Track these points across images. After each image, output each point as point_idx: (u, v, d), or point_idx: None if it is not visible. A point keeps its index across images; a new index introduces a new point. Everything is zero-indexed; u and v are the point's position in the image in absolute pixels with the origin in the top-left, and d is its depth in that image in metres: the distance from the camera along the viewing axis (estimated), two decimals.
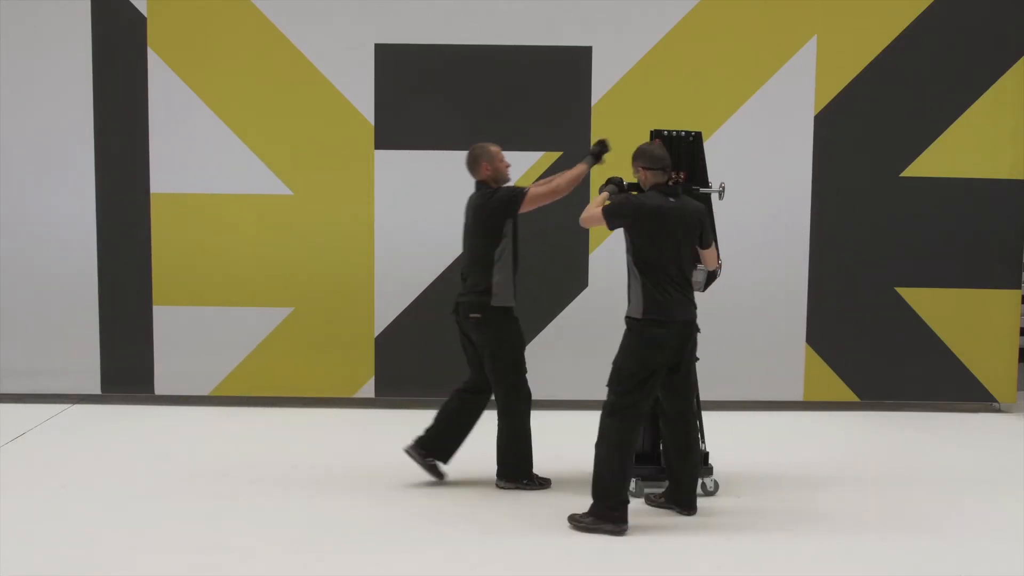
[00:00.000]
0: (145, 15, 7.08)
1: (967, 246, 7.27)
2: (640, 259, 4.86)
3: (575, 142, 7.07)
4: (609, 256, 6.94)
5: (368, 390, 7.32)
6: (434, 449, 5.49)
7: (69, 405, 7.25)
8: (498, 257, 5.31)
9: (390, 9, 7.10)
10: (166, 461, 5.88)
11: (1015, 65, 7.14)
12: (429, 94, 7.16)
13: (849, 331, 7.31)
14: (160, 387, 7.32)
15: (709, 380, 7.04)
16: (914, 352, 7.31)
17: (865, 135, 7.20)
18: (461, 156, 7.12)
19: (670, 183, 4.93)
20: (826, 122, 7.18)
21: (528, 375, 5.46)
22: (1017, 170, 7.23)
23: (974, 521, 4.98)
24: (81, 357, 7.27)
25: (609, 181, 5.26)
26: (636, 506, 5.12)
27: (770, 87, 7.15)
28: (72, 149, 7.17)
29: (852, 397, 7.37)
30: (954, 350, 7.32)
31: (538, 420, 5.59)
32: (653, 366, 4.81)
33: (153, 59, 7.11)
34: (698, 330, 5.00)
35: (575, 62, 7.13)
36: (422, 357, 7.25)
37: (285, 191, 7.20)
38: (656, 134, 5.33)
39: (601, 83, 7.14)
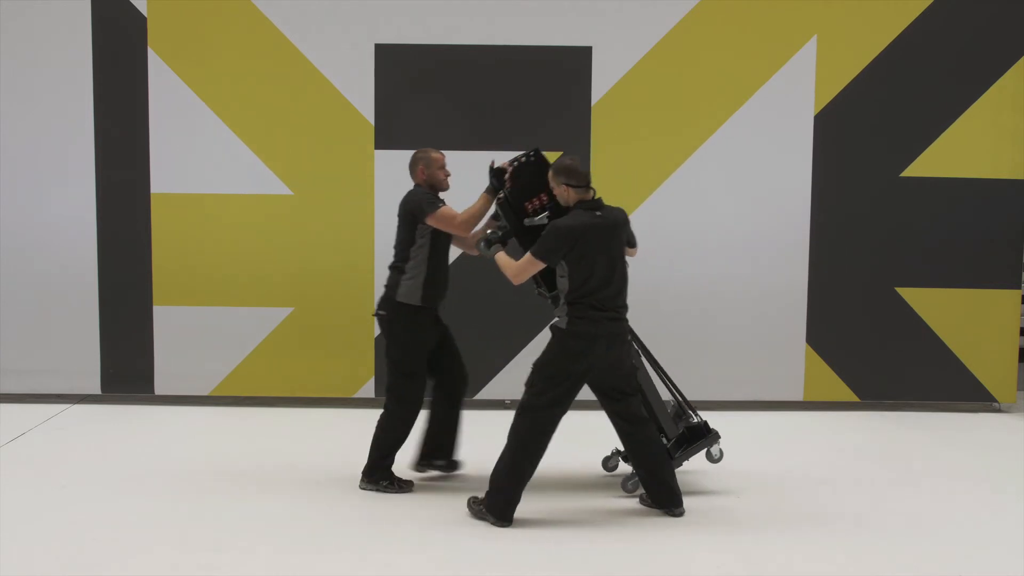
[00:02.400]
0: (145, 15, 7.09)
1: (967, 246, 7.27)
2: (573, 275, 4.79)
3: (575, 142, 7.08)
4: None
5: (368, 390, 7.32)
6: (428, 454, 5.60)
7: (69, 405, 7.25)
8: (412, 257, 5.29)
9: (390, 9, 7.10)
10: (166, 461, 5.88)
11: (1015, 65, 7.14)
12: (429, 94, 7.16)
13: (849, 331, 7.31)
14: (160, 387, 7.32)
15: (709, 380, 7.10)
16: (914, 352, 7.31)
17: (865, 135, 7.20)
18: (461, 156, 7.15)
19: (596, 198, 4.86)
20: (826, 122, 7.18)
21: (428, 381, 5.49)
22: (1017, 170, 7.23)
23: (974, 521, 4.98)
24: (81, 357, 7.28)
25: (496, 225, 5.15)
26: (637, 506, 5.13)
27: (770, 87, 7.15)
28: (72, 149, 7.18)
29: (852, 397, 7.37)
30: (954, 350, 7.32)
31: None
32: (572, 374, 4.81)
33: (153, 59, 7.11)
34: (630, 335, 5.01)
35: (575, 62, 7.13)
36: None
37: (285, 191, 7.20)
38: (499, 171, 5.07)
39: (601, 83, 7.14)
